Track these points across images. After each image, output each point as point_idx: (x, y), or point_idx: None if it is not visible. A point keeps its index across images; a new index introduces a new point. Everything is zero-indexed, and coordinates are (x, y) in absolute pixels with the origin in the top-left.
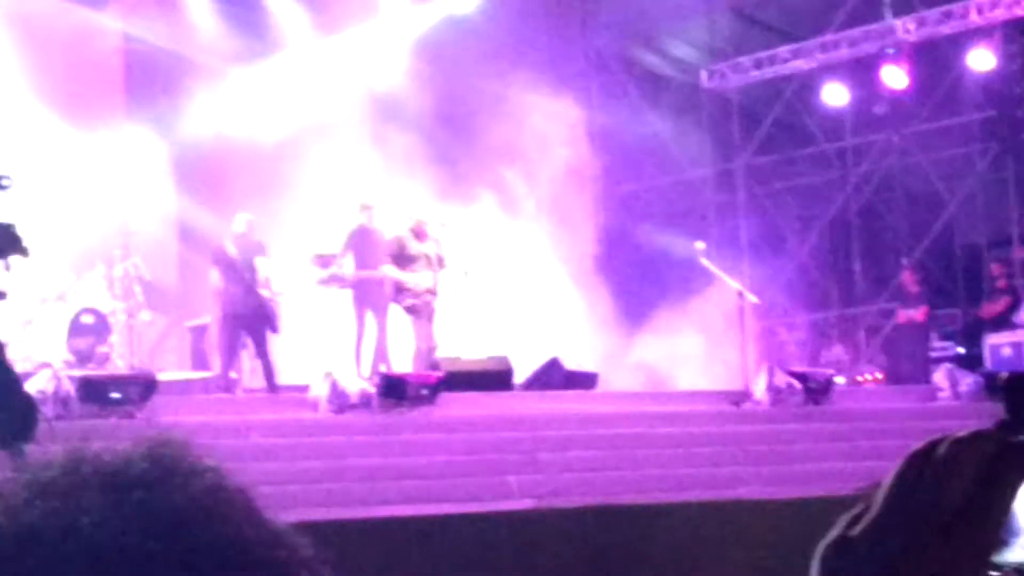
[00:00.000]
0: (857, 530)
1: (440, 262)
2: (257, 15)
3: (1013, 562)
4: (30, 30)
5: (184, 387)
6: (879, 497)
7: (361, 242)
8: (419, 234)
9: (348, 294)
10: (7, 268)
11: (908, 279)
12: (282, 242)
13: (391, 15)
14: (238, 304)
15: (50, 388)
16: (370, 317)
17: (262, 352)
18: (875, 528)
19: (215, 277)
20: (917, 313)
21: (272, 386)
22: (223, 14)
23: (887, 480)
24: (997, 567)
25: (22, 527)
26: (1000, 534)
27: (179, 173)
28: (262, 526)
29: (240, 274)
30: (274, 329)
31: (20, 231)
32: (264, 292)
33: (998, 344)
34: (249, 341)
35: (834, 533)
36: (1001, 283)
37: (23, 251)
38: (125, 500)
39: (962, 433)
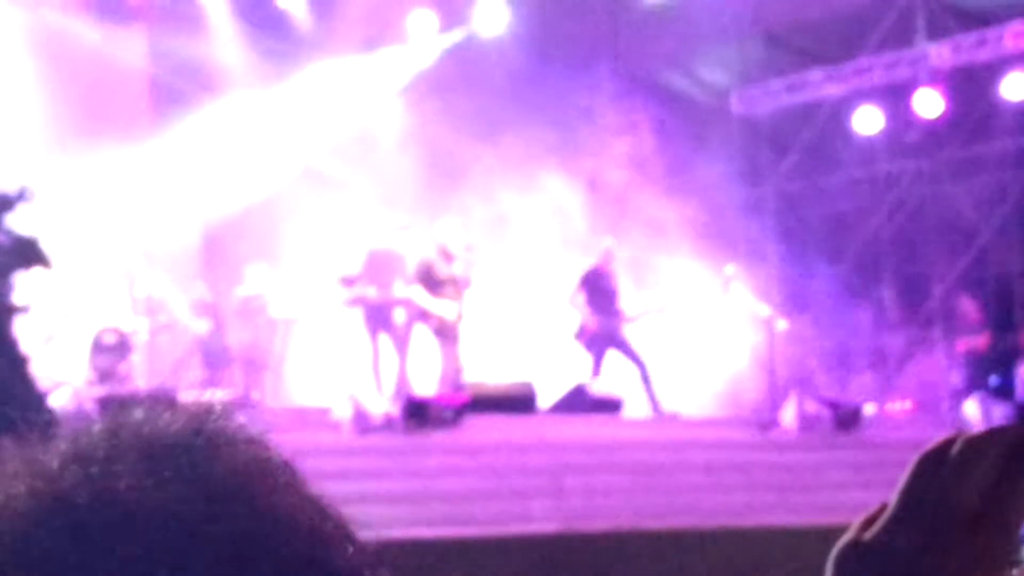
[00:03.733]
0: (871, 533)
1: (467, 283)
2: (282, 34)
3: None
4: (54, 47)
5: None
6: (892, 499)
7: (379, 263)
8: (446, 256)
9: (359, 315)
10: (29, 281)
11: (968, 307)
12: (300, 263)
13: (418, 36)
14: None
15: (70, 406)
16: (384, 338)
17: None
18: (889, 530)
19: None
20: (978, 340)
21: None
22: (247, 32)
23: (900, 482)
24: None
25: (58, 492)
26: (1020, 532)
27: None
28: (305, 499)
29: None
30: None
31: (43, 245)
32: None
33: None
34: None
35: (847, 536)
36: None
37: (46, 264)
38: (164, 467)
39: (978, 431)
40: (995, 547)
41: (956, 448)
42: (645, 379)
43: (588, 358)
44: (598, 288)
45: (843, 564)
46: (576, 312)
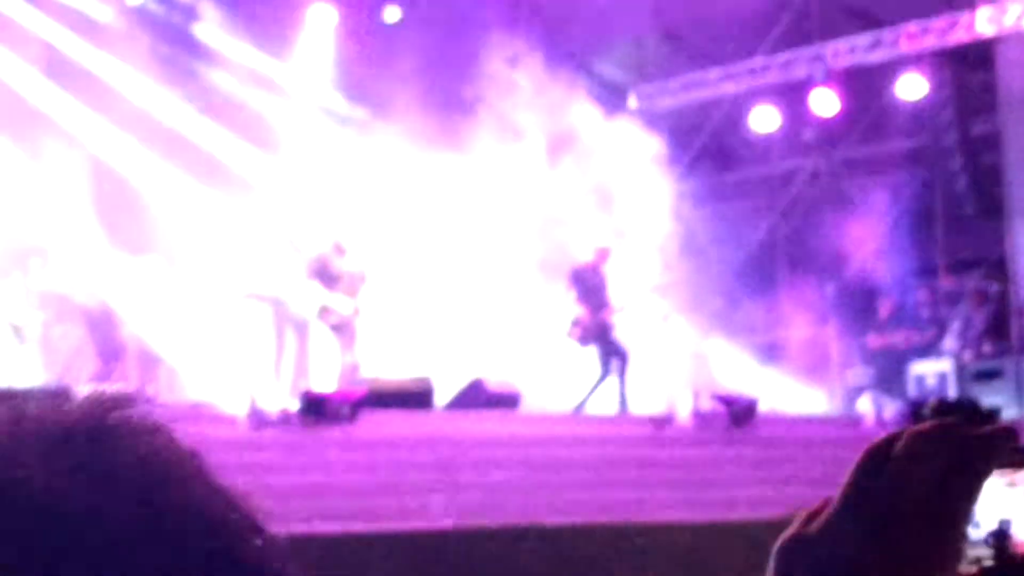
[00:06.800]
0: (814, 526)
1: (362, 279)
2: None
3: (973, 556)
4: None
5: None
6: (838, 493)
7: (285, 260)
8: (339, 251)
9: (267, 311)
10: None
11: (925, 301)
12: (199, 259)
13: (317, 30)
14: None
15: None
16: (290, 334)
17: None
18: (834, 523)
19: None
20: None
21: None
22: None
23: (846, 476)
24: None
25: None
26: (967, 525)
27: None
28: (212, 490)
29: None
30: None
31: None
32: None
33: (923, 372)
34: None
35: (791, 530)
36: (927, 312)
37: None
38: (67, 456)
39: (923, 425)
40: (940, 542)
41: (902, 443)
42: (622, 375)
43: (584, 353)
44: (589, 285)
45: (787, 557)
46: (567, 308)
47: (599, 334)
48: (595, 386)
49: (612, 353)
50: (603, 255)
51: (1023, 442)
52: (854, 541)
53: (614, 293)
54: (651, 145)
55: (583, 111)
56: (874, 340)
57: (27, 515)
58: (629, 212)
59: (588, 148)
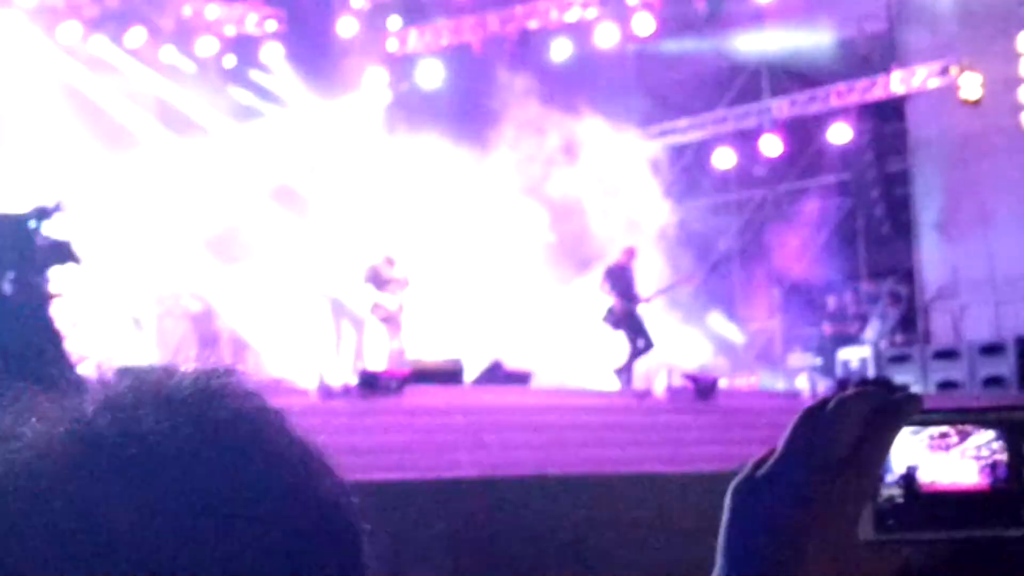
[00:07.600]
0: (762, 471)
1: (407, 283)
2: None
3: (886, 495)
4: (82, 96)
5: None
6: (779, 445)
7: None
8: (389, 262)
9: (328, 307)
10: (63, 275)
11: (851, 301)
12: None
13: (372, 88)
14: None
15: (94, 376)
16: (346, 325)
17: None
18: (778, 468)
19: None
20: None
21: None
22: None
23: (786, 431)
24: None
25: (92, 433)
26: (881, 473)
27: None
28: (294, 440)
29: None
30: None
31: (75, 246)
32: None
33: (848, 357)
34: None
35: (743, 473)
36: (852, 309)
37: (77, 261)
38: (178, 413)
39: (849, 391)
40: (860, 484)
41: (831, 406)
42: (636, 355)
43: (615, 336)
44: (620, 279)
45: (740, 495)
46: (603, 298)
47: (628, 321)
48: (632, 358)
49: (638, 336)
50: (631, 254)
51: (925, 406)
52: (795, 482)
53: (641, 287)
54: (650, 149)
55: (589, 122)
56: (828, 328)
57: (145, 461)
58: (633, 204)
59: (596, 152)
